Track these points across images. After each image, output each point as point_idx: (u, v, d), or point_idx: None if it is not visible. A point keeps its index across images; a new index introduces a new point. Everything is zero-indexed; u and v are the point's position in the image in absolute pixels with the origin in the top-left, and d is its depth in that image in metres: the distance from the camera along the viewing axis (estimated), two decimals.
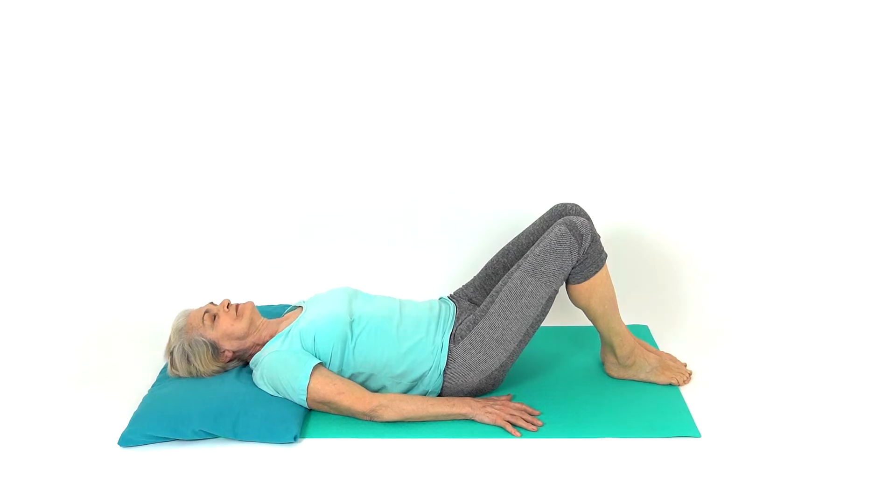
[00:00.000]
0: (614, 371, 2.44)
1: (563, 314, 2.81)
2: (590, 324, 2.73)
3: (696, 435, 2.13)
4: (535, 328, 2.30)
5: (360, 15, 2.69)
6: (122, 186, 2.87)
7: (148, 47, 2.73)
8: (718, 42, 2.69)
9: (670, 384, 2.37)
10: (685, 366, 2.45)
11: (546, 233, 2.27)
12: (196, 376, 2.33)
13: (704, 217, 2.85)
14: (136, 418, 2.18)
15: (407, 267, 2.91)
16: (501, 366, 2.29)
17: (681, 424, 2.17)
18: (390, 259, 2.91)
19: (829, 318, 2.72)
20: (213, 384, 2.28)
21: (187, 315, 2.36)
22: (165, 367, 2.40)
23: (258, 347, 2.36)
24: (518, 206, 2.82)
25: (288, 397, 2.23)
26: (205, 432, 2.14)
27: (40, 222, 2.86)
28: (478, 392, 2.32)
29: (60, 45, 2.72)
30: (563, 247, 2.22)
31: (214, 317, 2.33)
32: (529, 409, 2.23)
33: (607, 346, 2.41)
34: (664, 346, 2.60)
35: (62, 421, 2.27)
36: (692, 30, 2.68)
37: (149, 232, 2.91)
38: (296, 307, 2.50)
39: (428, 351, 2.27)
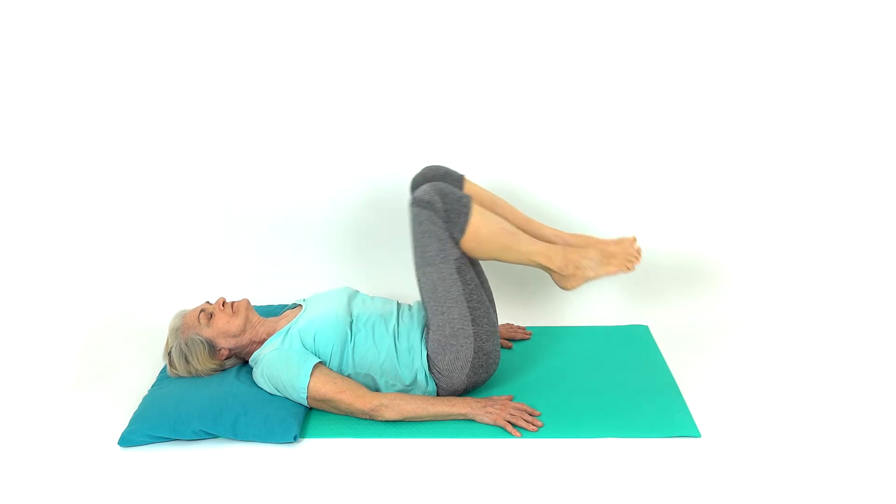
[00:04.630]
0: (564, 284, 2.30)
1: (563, 314, 2.82)
2: (590, 323, 2.75)
3: (696, 435, 2.13)
4: (477, 298, 2.23)
5: (360, 16, 2.70)
6: (121, 187, 2.87)
7: (145, 46, 2.73)
8: (716, 41, 2.69)
9: (621, 272, 2.23)
10: (634, 241, 2.28)
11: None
12: (195, 375, 2.33)
13: (704, 217, 2.85)
14: (136, 418, 2.19)
15: (406, 267, 2.90)
16: (476, 352, 2.24)
17: (681, 424, 2.17)
18: (390, 259, 2.90)
19: (829, 317, 2.72)
20: (213, 384, 2.28)
21: (183, 315, 2.36)
22: (165, 367, 2.40)
23: (256, 345, 2.35)
24: (519, 205, 2.81)
25: (288, 396, 2.22)
26: (205, 432, 2.14)
27: (40, 224, 2.85)
28: (476, 386, 2.32)
29: (58, 44, 2.72)
30: (423, 224, 2.17)
31: (210, 315, 2.33)
32: (529, 409, 2.22)
33: (539, 268, 2.29)
34: (664, 346, 2.60)
35: (62, 421, 2.27)
36: (684, 27, 2.69)
37: (148, 232, 2.91)
38: (295, 305, 2.50)
39: (415, 354, 2.27)
